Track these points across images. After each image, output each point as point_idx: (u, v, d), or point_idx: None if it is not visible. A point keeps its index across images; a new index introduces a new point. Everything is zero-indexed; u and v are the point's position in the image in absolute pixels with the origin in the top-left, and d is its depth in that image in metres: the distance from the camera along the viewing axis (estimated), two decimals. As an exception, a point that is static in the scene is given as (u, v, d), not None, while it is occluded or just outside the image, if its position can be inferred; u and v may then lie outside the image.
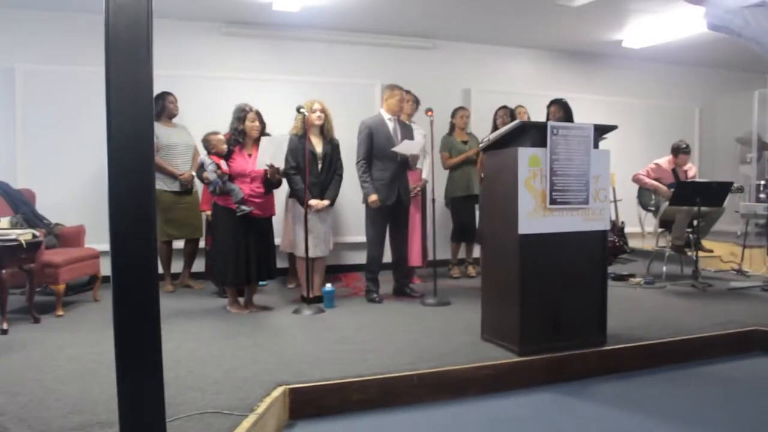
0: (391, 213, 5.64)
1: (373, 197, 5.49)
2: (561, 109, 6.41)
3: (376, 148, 5.56)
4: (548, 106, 6.53)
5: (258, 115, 5.18)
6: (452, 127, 6.94)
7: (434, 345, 4.13)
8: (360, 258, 6.20)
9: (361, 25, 7.22)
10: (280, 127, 5.77)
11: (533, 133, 3.92)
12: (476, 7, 6.66)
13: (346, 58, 7.45)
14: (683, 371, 4.21)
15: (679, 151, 6.89)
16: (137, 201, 2.35)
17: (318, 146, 5.43)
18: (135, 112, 2.34)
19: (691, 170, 7.03)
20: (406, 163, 5.67)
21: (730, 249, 7.47)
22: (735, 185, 6.50)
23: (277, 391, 3.26)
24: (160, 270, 6.05)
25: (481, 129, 6.92)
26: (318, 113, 5.41)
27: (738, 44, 5.78)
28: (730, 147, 9.46)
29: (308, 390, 3.38)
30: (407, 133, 5.75)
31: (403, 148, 5.53)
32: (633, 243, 8.11)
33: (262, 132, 5.19)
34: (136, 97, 2.35)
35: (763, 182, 7.61)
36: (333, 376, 3.50)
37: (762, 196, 7.29)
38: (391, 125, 5.65)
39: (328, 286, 5.39)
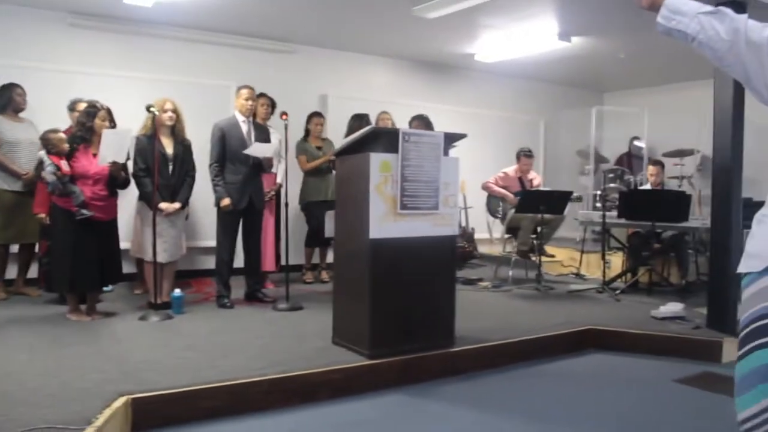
0: (243, 217, 5.56)
1: (225, 201, 5.38)
2: (423, 124, 6.56)
3: (228, 150, 5.45)
4: (410, 122, 6.67)
5: (109, 113, 4.95)
6: (307, 132, 6.92)
7: (285, 350, 4.09)
8: (212, 263, 6.04)
9: (218, 24, 7.05)
10: (130, 126, 5.50)
11: (385, 139, 3.98)
12: (335, 14, 6.69)
13: (201, 57, 7.24)
14: (526, 370, 4.42)
15: (521, 154, 7.31)
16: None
17: (169, 147, 5.24)
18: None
19: (536, 179, 7.43)
20: (259, 167, 5.60)
21: (570, 254, 7.96)
22: (574, 194, 6.92)
23: (119, 402, 3.09)
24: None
25: (338, 135, 6.93)
26: (169, 113, 5.21)
27: (579, 62, 6.11)
28: (571, 159, 10.09)
29: (153, 399, 3.23)
30: (262, 136, 5.68)
31: (256, 150, 5.45)
32: (482, 248, 8.44)
33: None
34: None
35: (599, 192, 8.15)
36: (180, 384, 3.37)
37: (598, 205, 7.80)
38: (245, 127, 5.56)
39: (177, 292, 5.21)
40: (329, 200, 6.62)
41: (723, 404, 3.80)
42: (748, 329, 1.54)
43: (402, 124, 6.70)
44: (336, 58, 8.20)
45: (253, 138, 5.55)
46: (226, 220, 5.50)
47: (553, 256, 7.53)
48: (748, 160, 5.18)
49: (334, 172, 6.68)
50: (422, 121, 6.60)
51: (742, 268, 1.63)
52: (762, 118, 5.27)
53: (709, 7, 1.52)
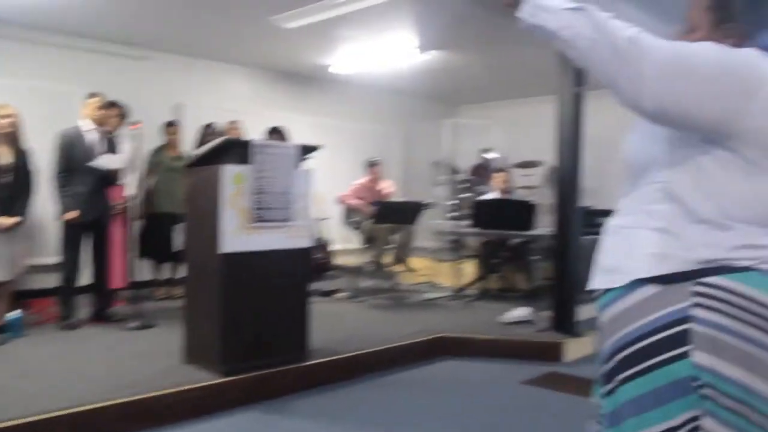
0: (89, 231, 5.30)
1: (71, 213, 5.10)
2: (279, 137, 6.51)
3: (74, 160, 5.17)
4: (267, 134, 6.60)
5: None
6: (164, 142, 6.69)
7: (135, 371, 3.93)
8: (56, 281, 5.70)
9: (63, 25, 6.63)
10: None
11: (238, 151, 3.92)
12: (191, 21, 6.50)
13: (45, 60, 6.78)
14: (381, 380, 4.49)
15: (370, 163, 7.50)
16: None
17: (5, 156, 4.89)
18: None
19: (388, 188, 7.57)
20: (107, 178, 5.35)
21: (424, 263, 8.14)
22: (428, 204, 7.11)
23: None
24: None
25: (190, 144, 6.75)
26: (8, 119, 4.88)
27: (435, 75, 6.24)
28: (426, 170, 10.35)
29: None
30: (111, 146, 5.43)
31: (103, 162, 5.21)
32: (338, 259, 8.48)
33: None
34: None
35: (452, 202, 8.42)
36: (15, 415, 3.14)
37: (452, 214, 8.05)
38: (92, 137, 5.29)
39: (15, 313, 4.87)
40: (175, 213, 6.43)
41: (565, 401, 4.06)
42: (636, 347, 1.41)
43: (259, 134, 6.64)
44: (192, 66, 7.98)
45: (101, 148, 5.29)
46: (70, 235, 5.20)
47: (408, 265, 7.68)
48: (590, 171, 5.54)
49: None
50: (279, 135, 6.56)
51: (599, 284, 1.52)
52: (600, 132, 5.71)
53: (573, 3, 1.42)
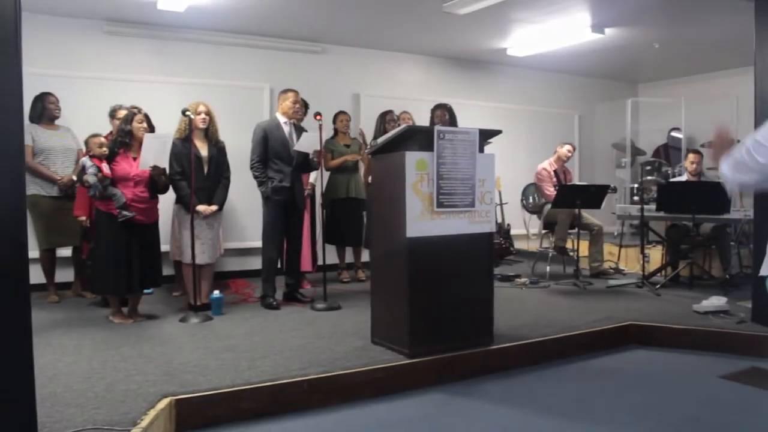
0: (287, 216, 5.59)
1: (274, 198, 5.46)
2: (446, 113, 6.51)
3: (271, 151, 5.49)
4: (433, 110, 6.62)
5: (146, 117, 4.97)
6: (335, 131, 6.94)
7: (324, 350, 4.10)
8: (249, 264, 6.06)
9: (249, 27, 7.10)
10: (165, 130, 5.57)
11: (420, 138, 3.97)
12: (365, 13, 6.70)
13: (233, 60, 7.30)
14: (566, 366, 4.37)
15: (563, 145, 7.30)
16: (6, 206, 2.23)
17: (203, 150, 5.29)
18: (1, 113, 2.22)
19: (569, 173, 7.35)
20: (301, 167, 5.64)
21: (608, 249, 7.83)
22: (611, 187, 6.82)
23: (162, 403, 3.14)
24: (43, 279, 5.76)
25: (370, 133, 6.93)
26: (202, 116, 5.26)
27: (613, 54, 5.99)
28: (606, 152, 9.96)
29: (195, 400, 3.27)
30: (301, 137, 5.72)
31: (303, 144, 5.48)
32: (518, 244, 8.38)
33: None
34: (3, 97, 2.22)
35: (636, 185, 8.04)
36: (221, 385, 3.41)
37: (636, 198, 7.68)
38: (286, 129, 5.58)
39: (216, 293, 5.25)
40: (353, 198, 6.65)
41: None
42: None
43: (427, 116, 6.69)
44: (367, 56, 8.21)
45: (294, 139, 5.57)
46: (274, 219, 5.53)
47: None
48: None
49: (360, 170, 6.73)
50: (445, 110, 6.55)
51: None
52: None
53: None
